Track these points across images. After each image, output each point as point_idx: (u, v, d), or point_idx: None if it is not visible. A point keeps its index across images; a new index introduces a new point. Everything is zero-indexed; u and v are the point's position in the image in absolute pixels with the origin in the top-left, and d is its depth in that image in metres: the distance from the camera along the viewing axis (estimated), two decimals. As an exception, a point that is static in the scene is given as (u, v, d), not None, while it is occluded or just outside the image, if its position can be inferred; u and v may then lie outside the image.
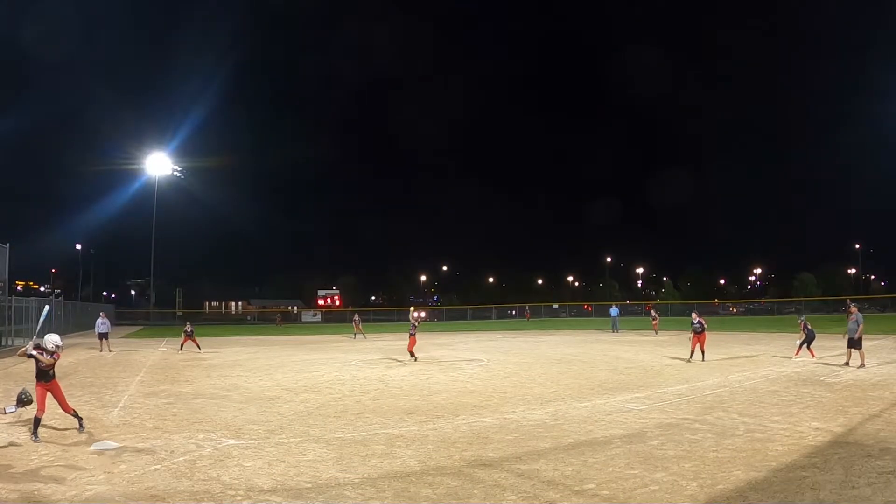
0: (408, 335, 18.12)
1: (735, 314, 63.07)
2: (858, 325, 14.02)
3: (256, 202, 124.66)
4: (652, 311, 33.76)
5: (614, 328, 33.28)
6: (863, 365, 13.59)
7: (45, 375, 7.90)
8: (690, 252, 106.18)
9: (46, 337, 8.02)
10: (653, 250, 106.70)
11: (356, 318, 32.96)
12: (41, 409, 7.75)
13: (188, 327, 24.71)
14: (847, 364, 13.99)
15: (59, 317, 35.60)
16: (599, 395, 11.03)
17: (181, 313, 65.64)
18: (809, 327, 16.29)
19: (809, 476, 5.70)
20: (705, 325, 16.12)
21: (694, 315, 16.57)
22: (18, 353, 8.28)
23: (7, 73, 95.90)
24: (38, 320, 9.03)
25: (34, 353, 7.79)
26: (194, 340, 23.81)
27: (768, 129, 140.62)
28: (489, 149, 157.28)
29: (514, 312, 71.80)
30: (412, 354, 17.80)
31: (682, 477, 5.82)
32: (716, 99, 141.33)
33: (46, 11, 78.91)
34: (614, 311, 35.80)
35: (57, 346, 7.93)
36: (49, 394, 7.93)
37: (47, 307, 10.53)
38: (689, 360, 15.81)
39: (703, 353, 16.01)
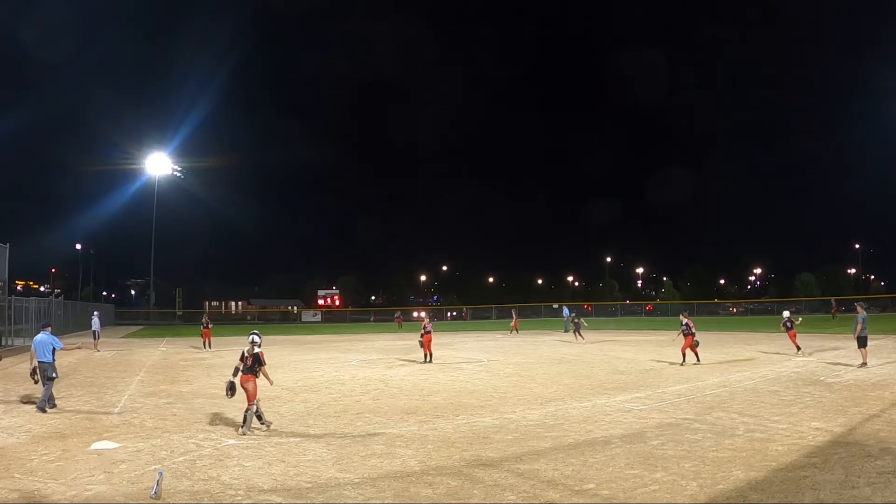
0: (422, 334, 17.58)
1: (735, 314, 62.98)
2: (856, 325, 14.06)
3: (256, 202, 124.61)
4: (513, 311, 35.95)
5: (566, 328, 32.79)
6: (864, 363, 13.67)
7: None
8: (690, 252, 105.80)
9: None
10: (653, 250, 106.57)
11: (398, 314, 46.32)
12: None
13: (207, 322, 24.30)
14: (864, 364, 13.76)
15: (59, 316, 35.62)
16: (599, 395, 11.03)
17: (181, 313, 65.61)
18: (577, 321, 25.95)
19: (809, 476, 5.70)
20: (692, 328, 15.28)
21: (682, 316, 15.87)
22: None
23: (7, 73, 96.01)
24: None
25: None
26: (207, 335, 23.56)
27: (768, 128, 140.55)
28: (489, 148, 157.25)
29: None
30: (430, 354, 17.36)
31: (682, 477, 5.82)
32: (716, 99, 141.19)
33: (46, 11, 78.83)
34: (566, 311, 36.17)
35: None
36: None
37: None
38: (682, 364, 15.09)
39: (683, 355, 15.25)
